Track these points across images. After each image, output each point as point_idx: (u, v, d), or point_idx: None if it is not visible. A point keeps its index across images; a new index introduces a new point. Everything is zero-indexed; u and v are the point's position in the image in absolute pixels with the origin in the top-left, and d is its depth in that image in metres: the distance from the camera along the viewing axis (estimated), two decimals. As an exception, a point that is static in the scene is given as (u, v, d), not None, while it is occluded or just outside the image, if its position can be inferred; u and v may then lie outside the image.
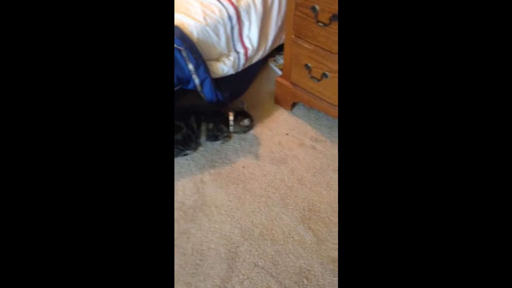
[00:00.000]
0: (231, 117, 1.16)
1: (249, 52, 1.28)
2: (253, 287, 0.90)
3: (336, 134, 1.29)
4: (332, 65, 1.12)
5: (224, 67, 1.21)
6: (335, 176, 1.16)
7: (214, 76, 1.18)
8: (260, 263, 0.94)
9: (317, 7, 1.02)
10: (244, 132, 1.23)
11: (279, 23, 1.35)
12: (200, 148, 1.23)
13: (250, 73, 1.44)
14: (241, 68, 1.29)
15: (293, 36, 1.16)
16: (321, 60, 1.13)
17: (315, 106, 1.28)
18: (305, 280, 0.91)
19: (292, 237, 1.00)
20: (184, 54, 1.05)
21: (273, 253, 0.96)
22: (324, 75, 1.15)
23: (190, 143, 1.15)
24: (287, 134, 1.30)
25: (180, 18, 1.11)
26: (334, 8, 0.99)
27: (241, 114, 1.18)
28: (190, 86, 1.15)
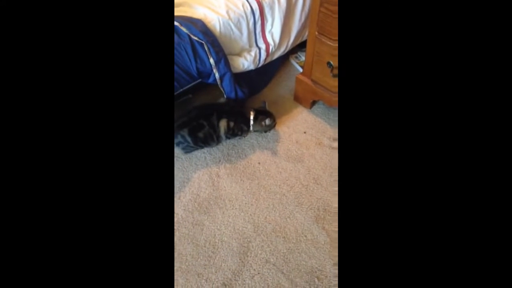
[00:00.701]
0: (251, 117, 1.17)
1: (271, 48, 1.27)
2: (263, 283, 0.90)
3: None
4: (355, 64, 1.09)
5: (245, 62, 1.21)
6: (352, 177, 1.14)
7: (235, 71, 1.18)
8: (271, 260, 0.94)
9: (343, 3, 1.00)
10: (265, 131, 1.23)
11: (303, 19, 1.33)
12: (217, 142, 1.24)
13: (271, 69, 1.43)
14: (262, 63, 1.29)
15: (316, 33, 1.14)
16: (344, 58, 1.11)
17: (335, 105, 1.26)
18: (316, 280, 0.90)
19: (305, 236, 0.99)
20: (206, 48, 1.05)
21: (285, 250, 0.96)
22: (346, 74, 1.13)
23: (211, 142, 1.17)
24: (305, 133, 1.29)
25: (204, 12, 1.11)
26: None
27: (262, 114, 1.18)
28: (210, 80, 1.16)
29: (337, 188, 1.10)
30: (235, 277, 0.91)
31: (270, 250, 0.96)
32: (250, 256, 0.95)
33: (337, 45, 1.11)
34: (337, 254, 0.95)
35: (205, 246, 0.97)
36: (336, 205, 1.06)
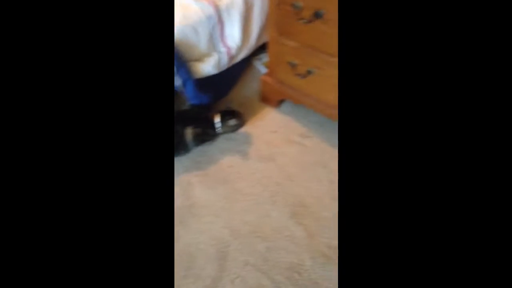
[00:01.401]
0: (216, 120, 1.16)
1: (232, 51, 1.27)
2: (244, 285, 0.89)
3: (324, 129, 1.29)
4: (316, 62, 1.12)
5: (207, 66, 1.20)
6: (324, 171, 1.15)
7: (197, 76, 1.18)
8: (251, 261, 0.93)
9: (300, 4, 1.02)
10: (233, 131, 1.22)
11: (263, 20, 1.35)
12: (186, 150, 1.22)
13: (235, 72, 1.44)
14: (225, 67, 1.29)
15: (276, 34, 1.16)
16: (306, 57, 1.13)
17: (302, 103, 1.28)
18: (296, 275, 0.90)
19: (282, 233, 0.99)
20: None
21: (264, 250, 0.95)
22: (309, 72, 1.15)
23: (179, 151, 1.15)
24: (275, 132, 1.30)
25: (160, 20, 1.10)
26: (317, 5, 0.99)
27: (228, 114, 1.18)
28: (173, 88, 1.14)
29: (310, 184, 1.12)
30: (215, 283, 0.89)
31: (249, 251, 0.95)
32: (229, 261, 0.93)
33: (297, 45, 1.13)
34: (314, 247, 0.95)
35: (181, 257, 0.94)
36: (311, 199, 1.07)
